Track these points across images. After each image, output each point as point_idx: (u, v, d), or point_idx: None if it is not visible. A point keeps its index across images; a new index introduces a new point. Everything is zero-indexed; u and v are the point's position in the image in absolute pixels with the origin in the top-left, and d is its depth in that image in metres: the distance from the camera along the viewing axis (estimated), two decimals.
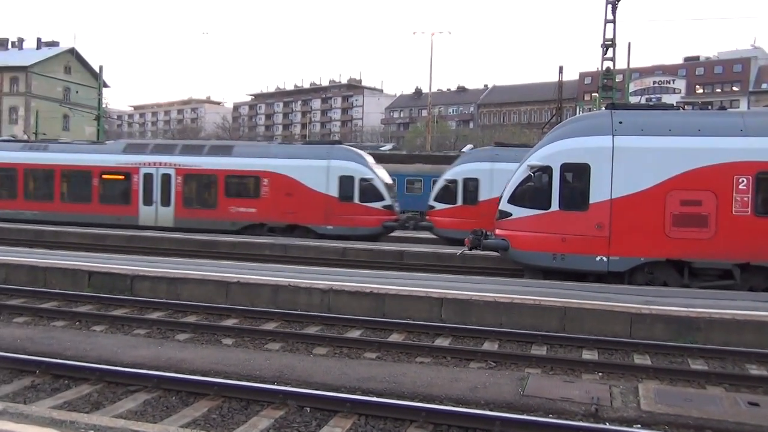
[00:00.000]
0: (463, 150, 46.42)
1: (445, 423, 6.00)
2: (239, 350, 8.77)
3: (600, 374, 8.02)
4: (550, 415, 6.30)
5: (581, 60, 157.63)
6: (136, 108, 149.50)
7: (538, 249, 14.10)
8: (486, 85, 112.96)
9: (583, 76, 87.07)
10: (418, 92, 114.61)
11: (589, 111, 42.68)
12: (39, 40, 73.05)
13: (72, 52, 69.96)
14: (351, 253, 19.28)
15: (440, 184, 24.05)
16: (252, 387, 6.76)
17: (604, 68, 32.50)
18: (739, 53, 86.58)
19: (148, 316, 10.79)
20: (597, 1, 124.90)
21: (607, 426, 5.95)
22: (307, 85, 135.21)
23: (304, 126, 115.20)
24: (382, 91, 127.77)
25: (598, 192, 13.60)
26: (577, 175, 13.94)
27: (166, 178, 24.21)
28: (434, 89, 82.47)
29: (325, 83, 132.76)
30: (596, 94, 38.20)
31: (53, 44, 72.88)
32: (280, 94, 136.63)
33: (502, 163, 21.27)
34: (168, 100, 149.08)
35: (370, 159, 24.29)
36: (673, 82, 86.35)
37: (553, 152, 14.12)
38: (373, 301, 11.06)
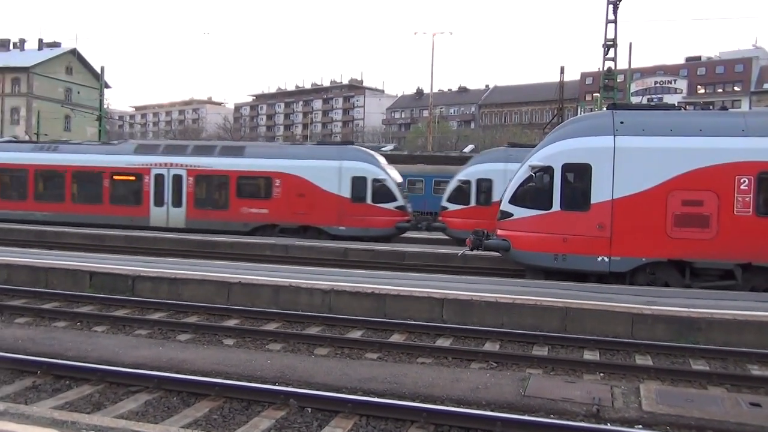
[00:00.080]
0: (464, 150, 46.47)
1: (446, 423, 6.00)
2: (240, 351, 8.78)
3: (601, 375, 8.03)
4: (552, 416, 6.30)
5: (583, 60, 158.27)
6: (137, 108, 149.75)
7: (539, 249, 14.09)
8: (487, 86, 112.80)
9: (584, 76, 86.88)
10: (419, 92, 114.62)
11: (591, 111, 42.70)
12: (41, 41, 73.26)
13: (74, 52, 70.12)
14: (352, 254, 19.26)
15: (453, 184, 23.88)
16: (253, 387, 6.76)
17: (605, 68, 32.53)
18: (740, 53, 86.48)
19: (150, 316, 10.79)
20: (598, 2, 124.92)
21: (609, 426, 5.95)
22: (308, 86, 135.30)
23: (305, 126, 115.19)
24: (383, 91, 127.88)
25: (600, 192, 13.57)
26: (579, 176, 13.92)
27: (177, 179, 24.08)
28: (435, 89, 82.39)
29: (326, 84, 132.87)
30: (597, 95, 38.22)
31: (55, 45, 72.94)
32: (281, 95, 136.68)
33: (516, 164, 21.13)
34: (169, 101, 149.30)
35: (382, 159, 24.18)
36: (675, 83, 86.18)
37: (555, 152, 14.10)
38: (374, 302, 11.05)
